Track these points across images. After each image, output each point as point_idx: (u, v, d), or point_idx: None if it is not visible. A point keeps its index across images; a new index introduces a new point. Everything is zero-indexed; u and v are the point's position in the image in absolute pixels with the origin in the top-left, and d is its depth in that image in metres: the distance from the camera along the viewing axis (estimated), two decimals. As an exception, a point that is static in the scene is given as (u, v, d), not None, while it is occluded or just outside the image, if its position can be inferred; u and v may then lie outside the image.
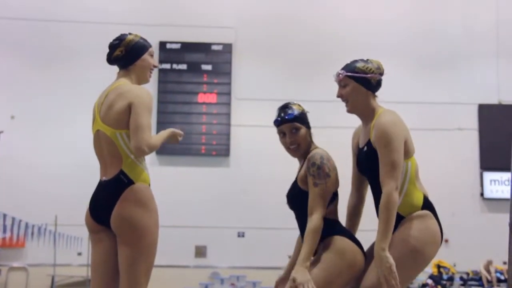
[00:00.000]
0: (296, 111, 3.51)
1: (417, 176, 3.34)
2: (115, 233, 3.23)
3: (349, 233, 3.40)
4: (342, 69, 3.45)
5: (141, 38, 3.49)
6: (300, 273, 3.18)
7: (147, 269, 3.22)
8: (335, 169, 3.39)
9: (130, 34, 3.49)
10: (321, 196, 3.32)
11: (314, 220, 3.28)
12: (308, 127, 3.54)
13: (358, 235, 3.51)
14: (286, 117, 3.50)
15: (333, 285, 3.23)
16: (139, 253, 3.18)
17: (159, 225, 3.31)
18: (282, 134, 3.55)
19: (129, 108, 3.23)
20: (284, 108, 3.55)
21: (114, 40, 3.45)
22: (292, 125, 3.48)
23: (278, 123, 3.54)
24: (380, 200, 3.24)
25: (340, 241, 3.31)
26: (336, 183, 3.42)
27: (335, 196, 3.45)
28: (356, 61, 3.45)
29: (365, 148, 3.38)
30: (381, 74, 3.43)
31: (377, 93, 3.47)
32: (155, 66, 3.53)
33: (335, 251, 3.27)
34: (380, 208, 3.17)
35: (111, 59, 3.44)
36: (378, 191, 3.30)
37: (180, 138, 3.60)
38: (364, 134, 3.45)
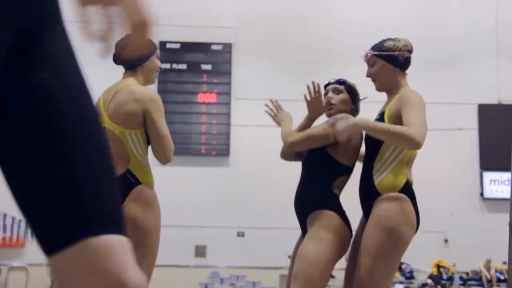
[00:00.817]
0: (349, 83, 3.66)
1: (409, 163, 3.37)
2: None
3: (343, 212, 3.44)
4: (370, 48, 3.52)
5: (149, 40, 3.50)
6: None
7: (148, 270, 3.23)
8: (346, 133, 3.36)
9: None
10: (310, 131, 3.46)
11: (295, 135, 3.50)
12: (354, 101, 3.64)
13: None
14: (336, 79, 3.67)
15: (329, 265, 3.28)
16: (142, 253, 3.19)
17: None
18: (325, 94, 3.66)
19: (142, 112, 3.26)
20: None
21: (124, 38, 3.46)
22: (337, 86, 3.64)
23: (327, 83, 3.70)
24: (364, 186, 3.37)
25: (334, 218, 3.36)
26: (336, 140, 3.43)
27: (345, 171, 3.46)
28: (384, 40, 3.55)
29: (378, 117, 3.41)
30: (410, 51, 3.49)
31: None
32: (160, 68, 3.55)
33: (329, 228, 3.33)
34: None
35: (118, 58, 3.44)
36: (365, 172, 3.37)
37: None
38: (382, 108, 3.50)
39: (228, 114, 12.62)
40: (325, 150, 3.45)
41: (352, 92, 3.64)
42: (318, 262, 3.23)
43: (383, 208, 3.24)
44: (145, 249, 3.19)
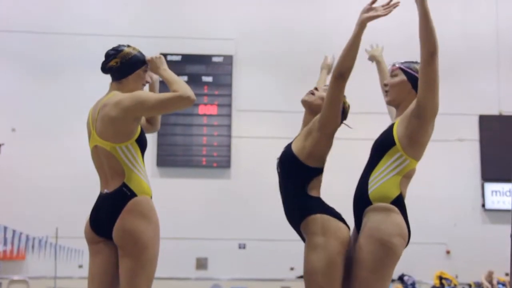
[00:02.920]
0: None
1: (407, 176, 3.36)
2: (117, 245, 3.22)
3: (332, 210, 3.42)
4: (401, 62, 3.52)
5: (139, 52, 3.47)
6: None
7: (148, 282, 3.21)
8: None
9: (128, 46, 3.47)
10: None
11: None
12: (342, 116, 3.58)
13: None
14: None
15: (336, 266, 3.25)
16: (140, 265, 3.17)
17: (160, 237, 3.31)
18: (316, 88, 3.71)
19: (123, 115, 3.21)
20: None
21: (111, 49, 3.44)
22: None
23: None
24: (359, 191, 3.36)
25: (327, 220, 3.33)
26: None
27: (315, 173, 3.46)
28: (416, 61, 3.49)
29: (388, 128, 3.42)
30: None
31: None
32: (147, 82, 3.52)
33: (320, 232, 3.30)
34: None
35: (105, 68, 3.43)
36: (362, 178, 3.38)
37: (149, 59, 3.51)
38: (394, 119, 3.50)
39: (229, 126, 12.62)
40: (293, 154, 3.45)
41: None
42: (322, 269, 3.21)
43: (373, 220, 3.24)
44: (144, 261, 3.17)
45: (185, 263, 12.08)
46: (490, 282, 11.84)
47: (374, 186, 3.31)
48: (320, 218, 3.34)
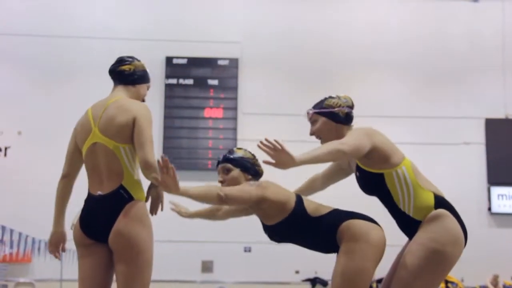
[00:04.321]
0: (235, 156, 3.61)
1: (418, 177, 3.33)
2: (113, 249, 3.21)
3: (356, 214, 3.39)
4: (312, 107, 3.54)
5: (144, 69, 3.57)
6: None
7: (145, 286, 3.21)
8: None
9: (139, 61, 3.56)
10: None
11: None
12: (246, 171, 3.57)
13: None
14: (222, 157, 3.64)
15: (363, 273, 3.22)
16: (137, 269, 3.17)
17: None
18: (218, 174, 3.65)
19: (132, 122, 3.23)
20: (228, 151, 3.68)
21: (127, 57, 3.49)
22: (224, 166, 3.62)
23: (217, 163, 3.69)
24: (400, 220, 3.30)
25: (356, 225, 3.29)
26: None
27: (301, 200, 3.43)
28: (325, 98, 3.54)
29: (358, 173, 3.40)
30: (350, 107, 3.49)
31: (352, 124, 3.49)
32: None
33: (359, 237, 3.25)
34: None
35: (115, 70, 3.44)
36: (393, 211, 3.32)
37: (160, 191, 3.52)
38: (352, 162, 3.49)
39: (234, 129, 12.62)
40: (275, 225, 3.43)
41: (241, 165, 3.59)
42: (347, 274, 3.17)
43: (427, 230, 3.20)
44: (141, 265, 3.17)
45: (190, 266, 12.08)
46: (496, 286, 11.80)
47: (410, 209, 3.27)
48: (348, 224, 3.30)
